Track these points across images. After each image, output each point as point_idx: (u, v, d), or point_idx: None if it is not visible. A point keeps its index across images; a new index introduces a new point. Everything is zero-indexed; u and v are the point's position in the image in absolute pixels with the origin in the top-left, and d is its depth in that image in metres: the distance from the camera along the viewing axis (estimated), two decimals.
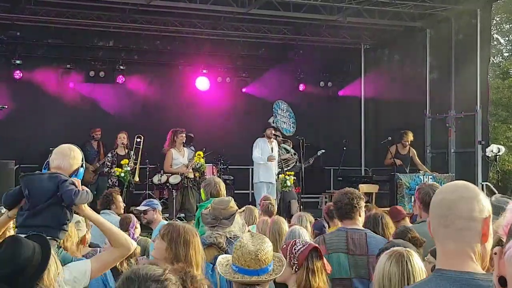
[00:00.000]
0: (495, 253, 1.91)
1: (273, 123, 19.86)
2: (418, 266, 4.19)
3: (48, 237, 5.38)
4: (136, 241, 8.98)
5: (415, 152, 17.41)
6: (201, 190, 9.31)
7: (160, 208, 9.83)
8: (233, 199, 6.86)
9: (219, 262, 4.57)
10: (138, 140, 16.76)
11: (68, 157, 5.93)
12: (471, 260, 2.63)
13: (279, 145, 17.22)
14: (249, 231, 7.11)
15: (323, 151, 18.79)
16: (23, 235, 4.15)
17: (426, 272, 4.17)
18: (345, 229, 6.54)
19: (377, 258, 4.57)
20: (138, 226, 9.43)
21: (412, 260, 4.18)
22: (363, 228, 6.62)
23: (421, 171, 16.93)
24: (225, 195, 8.99)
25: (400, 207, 11.01)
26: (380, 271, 4.13)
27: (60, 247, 5.74)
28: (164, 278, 2.62)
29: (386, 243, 6.85)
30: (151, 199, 10.11)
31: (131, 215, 9.65)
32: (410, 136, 17.30)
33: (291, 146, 18.17)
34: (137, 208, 9.72)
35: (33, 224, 5.47)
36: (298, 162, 17.88)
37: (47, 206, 5.59)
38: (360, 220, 6.65)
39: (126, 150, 16.39)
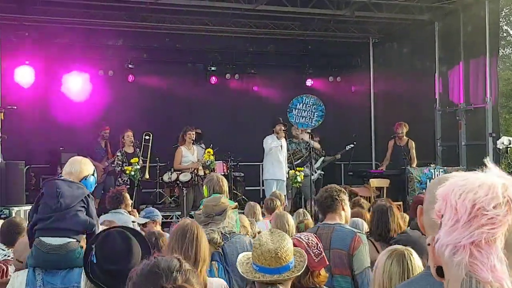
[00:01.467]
0: (429, 244, 1.90)
1: (289, 118, 19.78)
2: (418, 265, 4.19)
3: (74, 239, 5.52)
4: None
5: (413, 145, 17.36)
6: (204, 186, 9.31)
7: (160, 218, 9.60)
8: (224, 196, 6.88)
9: (239, 261, 4.54)
10: (147, 137, 16.80)
11: (78, 164, 6.10)
12: None
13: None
14: (259, 231, 7.14)
15: (352, 145, 18.80)
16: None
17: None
18: (317, 226, 6.61)
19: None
20: None
21: (412, 259, 4.19)
22: (334, 223, 6.55)
23: (431, 165, 16.91)
24: (227, 191, 8.99)
25: (423, 196, 11.00)
26: (380, 270, 4.13)
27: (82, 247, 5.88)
28: (184, 268, 2.62)
29: (400, 234, 6.88)
30: (151, 209, 9.89)
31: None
32: (403, 128, 17.28)
33: (306, 143, 18.12)
34: (136, 220, 9.58)
35: (63, 227, 5.60)
36: (306, 158, 17.86)
37: (75, 211, 5.78)
38: (344, 214, 6.63)
39: (134, 148, 16.43)
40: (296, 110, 20.87)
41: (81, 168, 6.24)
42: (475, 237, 1.71)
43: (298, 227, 8.52)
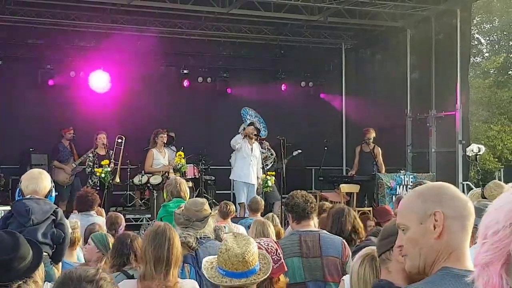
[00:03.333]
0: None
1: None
2: None
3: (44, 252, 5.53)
4: None
5: (380, 151, 17.44)
6: (163, 190, 9.28)
7: None
8: (207, 202, 6.86)
9: (204, 266, 4.53)
10: (119, 141, 16.73)
11: (40, 180, 6.18)
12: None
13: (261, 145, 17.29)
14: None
15: (300, 151, 18.82)
16: None
17: None
18: (298, 232, 6.51)
19: (353, 257, 4.57)
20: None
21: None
22: (316, 229, 6.61)
23: (402, 171, 16.99)
24: (187, 194, 8.97)
25: (388, 207, 11.03)
26: (355, 275, 4.13)
27: (51, 262, 5.88)
28: (98, 277, 2.62)
29: (364, 241, 6.87)
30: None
31: (121, 215, 9.58)
32: (372, 133, 17.37)
33: (269, 146, 18.19)
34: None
35: (34, 238, 5.60)
36: (275, 161, 17.92)
37: (45, 225, 5.82)
38: (315, 221, 6.66)
39: (106, 150, 16.35)
40: (248, 121, 20.97)
41: (44, 185, 6.35)
42: (481, 260, 1.82)
43: (277, 233, 8.46)
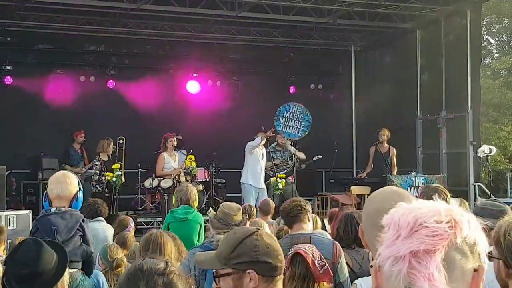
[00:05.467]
0: (371, 266, 1.88)
1: (277, 126, 19.76)
2: None
3: (75, 269, 5.52)
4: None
5: (395, 152, 17.39)
6: (173, 195, 9.28)
7: None
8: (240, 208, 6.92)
9: None
10: (121, 141, 16.75)
11: (65, 184, 6.05)
12: None
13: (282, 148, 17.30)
14: None
15: (320, 156, 18.63)
16: None
17: None
18: (290, 236, 6.54)
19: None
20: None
21: None
22: (308, 232, 6.60)
23: (412, 172, 16.95)
24: (196, 202, 9.00)
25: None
26: None
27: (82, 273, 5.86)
28: (168, 270, 2.61)
29: None
30: None
31: (129, 217, 9.60)
32: (386, 132, 17.32)
33: (291, 152, 18.05)
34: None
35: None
36: (291, 170, 17.80)
37: (73, 242, 5.76)
38: (308, 225, 6.66)
39: (108, 157, 16.39)
40: (283, 118, 20.96)
41: (70, 189, 6.13)
42: (415, 247, 1.70)
43: (278, 235, 8.44)
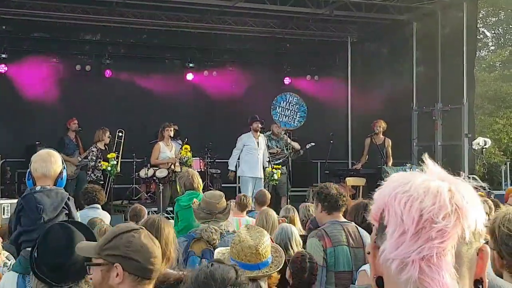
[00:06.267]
0: (368, 252, 1.80)
1: (273, 116, 19.76)
2: None
3: None
4: None
5: (390, 143, 17.37)
6: (177, 183, 9.26)
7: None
8: (223, 195, 6.88)
9: (215, 257, 4.54)
10: (120, 134, 16.73)
11: (50, 163, 6.03)
12: None
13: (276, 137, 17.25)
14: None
15: (313, 144, 18.64)
16: None
17: None
18: (338, 222, 6.50)
19: None
20: None
21: None
22: (349, 221, 6.63)
23: (407, 164, 16.95)
24: (200, 185, 8.97)
25: None
26: None
27: None
28: (240, 281, 2.57)
29: None
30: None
31: (144, 208, 9.61)
32: (382, 124, 17.29)
33: (286, 141, 18.05)
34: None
35: None
36: (287, 159, 17.78)
37: (56, 217, 5.75)
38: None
39: (105, 146, 16.37)
40: (280, 108, 20.96)
41: (55, 168, 6.13)
42: (426, 252, 1.62)
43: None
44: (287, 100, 21.87)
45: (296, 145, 18.14)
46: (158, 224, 5.15)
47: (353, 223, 6.65)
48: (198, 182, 8.96)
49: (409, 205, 1.66)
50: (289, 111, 22.08)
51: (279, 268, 4.44)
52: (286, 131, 17.97)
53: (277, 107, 21.53)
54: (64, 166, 6.23)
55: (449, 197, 1.67)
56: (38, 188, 6.00)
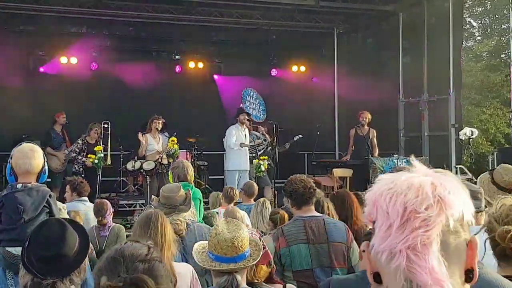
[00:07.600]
0: (363, 250, 1.86)
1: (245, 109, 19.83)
2: None
3: None
4: (109, 227, 9.00)
5: (375, 134, 17.36)
6: (169, 173, 9.27)
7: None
8: (181, 185, 6.89)
9: (195, 249, 4.53)
10: (106, 126, 16.68)
11: (33, 159, 6.00)
12: None
13: (249, 131, 17.18)
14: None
15: (301, 136, 18.61)
16: None
17: None
18: (301, 218, 6.44)
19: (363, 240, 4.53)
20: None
21: None
22: (319, 215, 6.55)
23: (394, 155, 16.97)
24: (193, 178, 8.98)
25: None
26: None
27: None
28: (150, 257, 2.56)
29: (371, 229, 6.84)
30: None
31: (107, 201, 9.60)
32: (368, 115, 17.28)
33: (264, 131, 18.11)
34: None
35: (25, 237, 5.54)
36: (268, 147, 17.80)
37: (36, 216, 5.71)
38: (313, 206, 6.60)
39: (95, 141, 16.31)
40: (247, 102, 21.00)
41: (38, 163, 6.11)
42: (411, 241, 1.69)
43: (273, 219, 8.33)
44: (249, 95, 22.05)
45: (268, 136, 18.23)
46: (161, 218, 5.15)
47: (324, 216, 6.58)
48: (191, 174, 8.97)
49: (394, 199, 1.74)
50: (254, 104, 22.32)
51: (255, 261, 4.43)
52: (272, 123, 17.97)
53: (246, 101, 21.66)
54: (45, 160, 6.20)
55: (432, 189, 1.73)
56: (19, 186, 5.95)
